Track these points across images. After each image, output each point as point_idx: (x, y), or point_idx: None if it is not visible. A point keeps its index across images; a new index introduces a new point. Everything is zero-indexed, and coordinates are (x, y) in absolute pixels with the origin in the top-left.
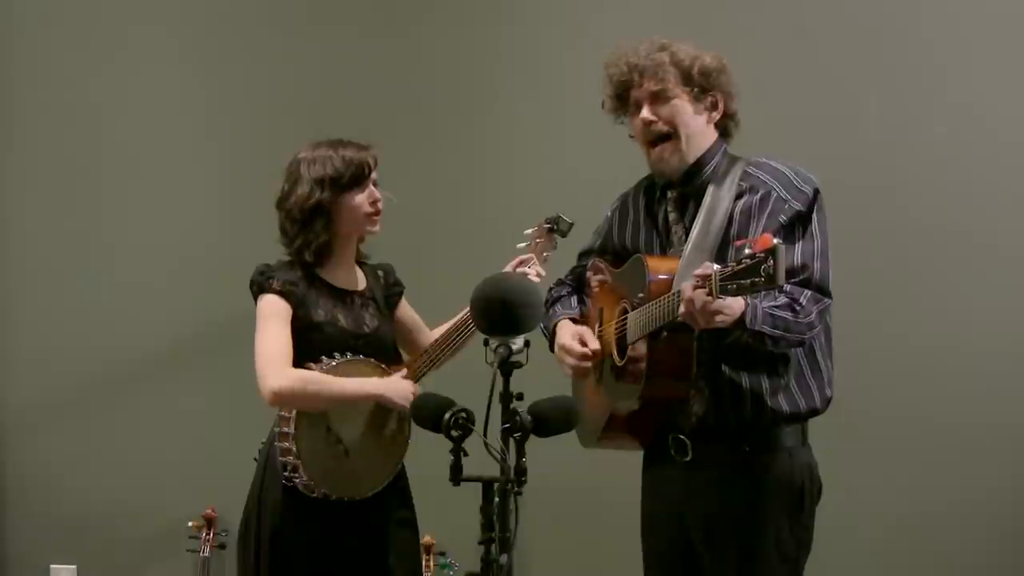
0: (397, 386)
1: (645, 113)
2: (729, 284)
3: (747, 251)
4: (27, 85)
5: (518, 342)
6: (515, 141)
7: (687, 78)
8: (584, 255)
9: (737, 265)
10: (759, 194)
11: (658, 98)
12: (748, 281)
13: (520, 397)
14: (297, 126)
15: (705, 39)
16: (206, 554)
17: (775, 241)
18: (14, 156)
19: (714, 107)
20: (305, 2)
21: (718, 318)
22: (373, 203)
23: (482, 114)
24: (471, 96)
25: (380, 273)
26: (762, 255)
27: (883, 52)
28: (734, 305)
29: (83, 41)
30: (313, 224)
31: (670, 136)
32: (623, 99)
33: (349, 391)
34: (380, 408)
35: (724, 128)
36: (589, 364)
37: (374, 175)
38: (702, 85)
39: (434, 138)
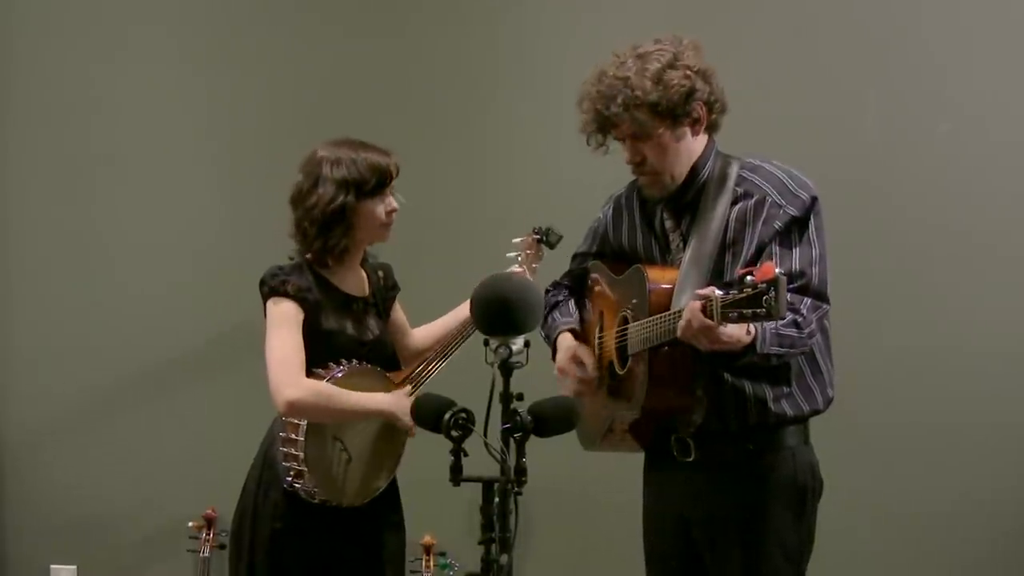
0: (405, 404)
1: (629, 156)
2: (731, 312)
3: (749, 279)
4: (27, 85)
5: (518, 342)
6: (514, 141)
7: (659, 116)
8: (578, 257)
9: (739, 294)
10: (754, 199)
11: (637, 137)
12: (750, 311)
13: (520, 397)
14: (297, 126)
15: (704, 39)
16: (206, 554)
17: (777, 271)
18: (14, 156)
19: (696, 121)
20: (304, 2)
21: (722, 343)
22: (389, 213)
23: (480, 114)
24: (469, 96)
25: (380, 274)
26: (763, 286)
27: (883, 51)
28: (736, 332)
29: (83, 41)
30: (334, 228)
31: (652, 174)
32: (603, 134)
33: (361, 406)
34: None
35: (712, 124)
36: (585, 388)
37: (393, 183)
38: (676, 114)
39: (432, 138)
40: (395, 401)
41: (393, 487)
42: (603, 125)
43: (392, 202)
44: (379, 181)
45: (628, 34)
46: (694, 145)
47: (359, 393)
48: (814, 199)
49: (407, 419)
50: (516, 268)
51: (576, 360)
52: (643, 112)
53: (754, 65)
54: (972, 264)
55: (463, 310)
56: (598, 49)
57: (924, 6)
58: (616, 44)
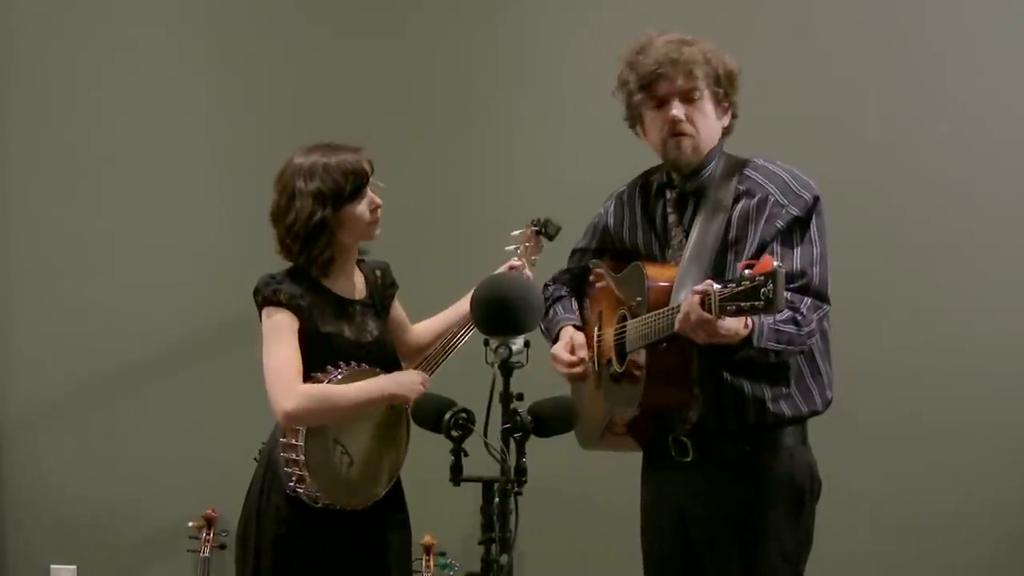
0: (406, 379)
1: (676, 112)
2: (729, 305)
3: (747, 272)
4: (27, 85)
5: (518, 342)
6: (513, 140)
7: (716, 79)
8: (578, 253)
9: (737, 287)
10: (756, 198)
11: (687, 96)
12: (748, 304)
13: (520, 397)
14: (297, 126)
15: (704, 39)
16: (206, 554)
17: (775, 264)
18: (14, 156)
19: (726, 111)
20: (305, 2)
21: (720, 337)
22: (373, 210)
23: (480, 114)
24: (469, 96)
25: (377, 273)
26: (761, 279)
27: (883, 51)
28: (733, 325)
29: (83, 41)
30: (318, 240)
31: (691, 135)
32: (647, 90)
33: (361, 397)
34: (383, 414)
35: (728, 128)
36: (578, 372)
37: (370, 181)
38: (726, 89)
39: (432, 137)
40: (394, 380)
41: (397, 486)
42: (658, 73)
43: (375, 198)
44: (355, 185)
45: (628, 34)
46: (717, 134)
47: (355, 384)
48: (816, 199)
49: (413, 395)
50: (515, 261)
51: (570, 347)
52: (705, 68)
53: (754, 65)
54: (973, 264)
55: (463, 304)
56: (598, 49)
57: (925, 6)
58: (616, 44)
